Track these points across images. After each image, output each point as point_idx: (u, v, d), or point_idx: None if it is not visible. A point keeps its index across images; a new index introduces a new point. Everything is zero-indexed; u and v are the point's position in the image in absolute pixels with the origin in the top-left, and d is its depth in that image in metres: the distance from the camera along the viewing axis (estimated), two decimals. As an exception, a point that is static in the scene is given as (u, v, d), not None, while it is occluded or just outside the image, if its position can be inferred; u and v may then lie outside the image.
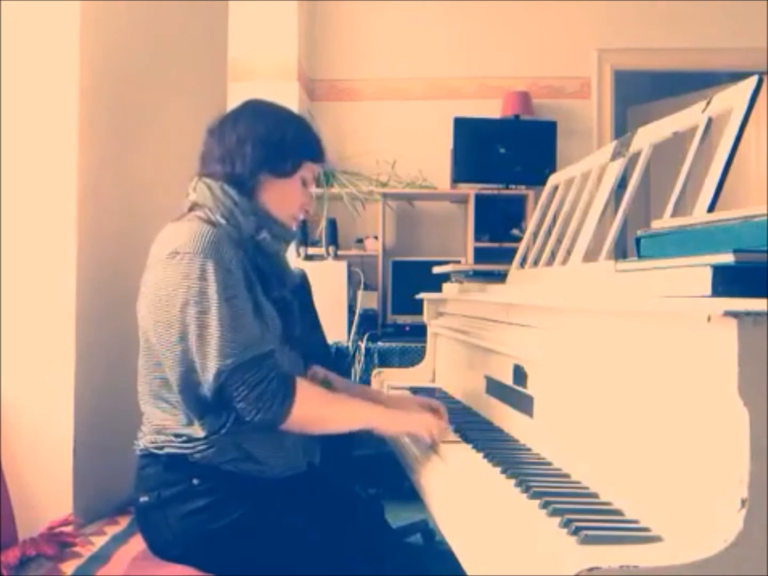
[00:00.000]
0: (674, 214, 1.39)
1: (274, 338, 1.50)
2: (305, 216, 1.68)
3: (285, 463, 1.54)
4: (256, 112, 1.62)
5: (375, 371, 2.68)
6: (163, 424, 1.50)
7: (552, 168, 4.09)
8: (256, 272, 1.53)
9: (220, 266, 1.43)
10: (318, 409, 1.51)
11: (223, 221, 1.51)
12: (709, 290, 0.95)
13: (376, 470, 2.81)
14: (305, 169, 1.61)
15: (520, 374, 1.59)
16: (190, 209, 1.57)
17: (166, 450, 1.49)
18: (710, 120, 1.43)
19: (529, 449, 1.47)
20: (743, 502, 0.83)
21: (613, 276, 1.33)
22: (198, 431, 1.46)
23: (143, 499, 1.51)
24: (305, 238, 4.17)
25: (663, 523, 0.97)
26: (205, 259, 1.42)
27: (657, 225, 1.23)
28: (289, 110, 1.67)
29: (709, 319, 0.89)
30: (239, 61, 3.60)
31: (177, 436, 1.48)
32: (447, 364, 2.39)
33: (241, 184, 1.54)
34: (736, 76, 1.66)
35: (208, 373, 1.40)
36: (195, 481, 1.47)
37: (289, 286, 1.63)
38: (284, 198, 1.60)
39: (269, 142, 1.56)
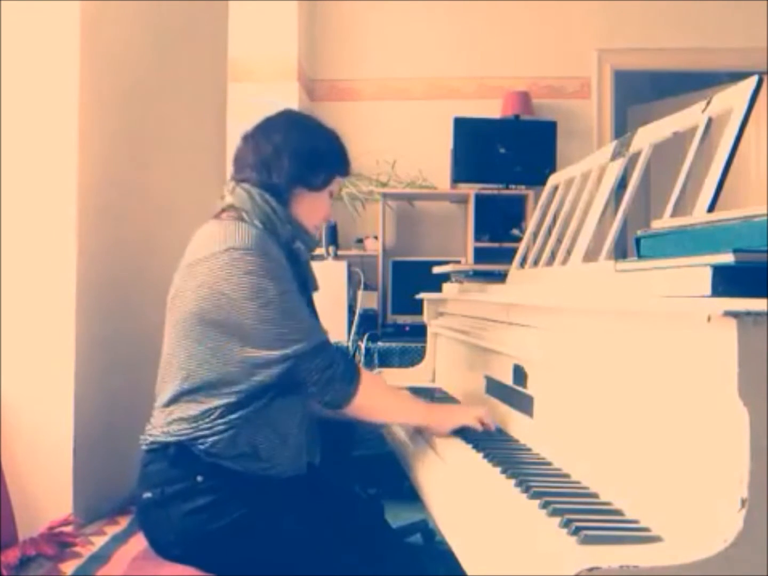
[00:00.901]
0: (674, 214, 1.39)
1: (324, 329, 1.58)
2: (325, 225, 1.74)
3: (289, 463, 1.55)
4: (292, 123, 1.68)
5: (375, 371, 2.68)
6: (179, 409, 1.51)
7: (552, 168, 4.09)
8: (294, 274, 1.58)
9: (275, 263, 1.50)
10: (379, 398, 1.61)
11: (260, 226, 1.56)
12: (709, 290, 0.95)
13: (376, 470, 2.80)
14: (334, 183, 1.68)
15: (520, 374, 1.59)
16: (224, 210, 1.61)
17: (178, 437, 1.50)
18: (710, 120, 1.43)
19: (529, 449, 1.47)
20: (743, 502, 0.83)
21: (613, 276, 1.33)
22: (216, 413, 1.48)
23: (146, 495, 1.52)
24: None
25: (663, 523, 0.97)
26: (261, 256, 1.49)
27: (657, 225, 1.23)
28: (321, 123, 1.72)
29: (709, 319, 0.89)
30: (239, 61, 3.60)
31: (196, 418, 1.49)
32: (447, 364, 2.39)
33: (278, 193, 1.60)
34: (736, 76, 1.66)
35: (274, 360, 1.46)
36: (199, 478, 1.48)
37: (311, 291, 1.70)
38: (313, 209, 1.66)
39: (304, 156, 1.62)
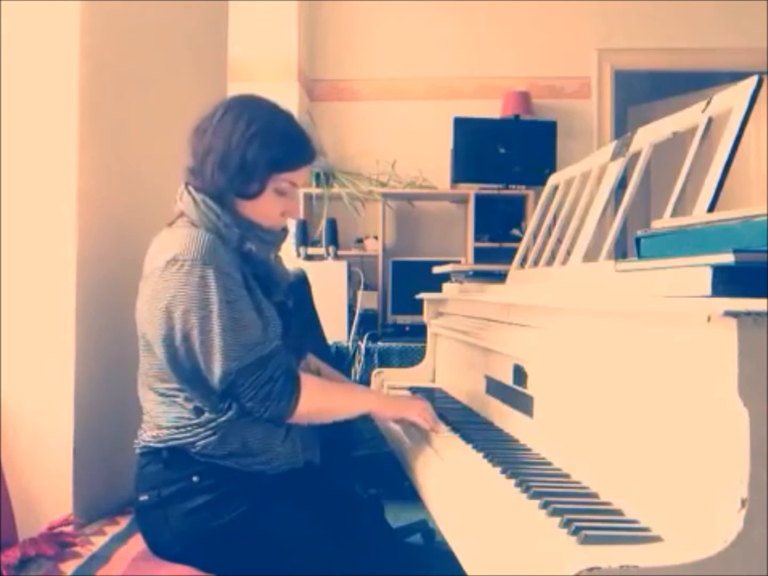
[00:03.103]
0: (674, 214, 1.39)
1: (276, 338, 1.51)
2: (294, 219, 1.65)
3: (284, 456, 1.54)
4: (223, 117, 1.53)
5: (375, 371, 2.68)
6: (165, 416, 1.50)
7: (552, 168, 4.09)
8: (252, 276, 1.54)
9: (220, 271, 1.43)
10: (322, 401, 1.54)
11: (208, 233, 1.49)
12: (709, 290, 0.95)
13: (376, 470, 2.80)
14: (277, 181, 1.53)
15: (520, 374, 1.59)
16: (180, 216, 1.57)
17: (168, 443, 1.49)
18: (710, 120, 1.43)
19: (529, 449, 1.47)
20: (743, 502, 0.83)
21: (613, 276, 1.33)
22: (201, 418, 1.47)
23: (143, 498, 1.51)
24: (305, 238, 4.18)
25: (663, 523, 0.97)
26: (205, 265, 1.42)
27: (657, 225, 1.23)
28: (263, 111, 1.55)
29: (709, 319, 0.89)
30: (239, 61, 3.60)
31: (179, 427, 1.49)
32: (447, 364, 2.39)
33: (218, 198, 1.52)
34: (736, 76, 1.66)
35: (215, 376, 1.42)
36: (195, 479, 1.48)
37: (283, 286, 1.62)
38: (259, 213, 1.55)
39: (229, 164, 1.49)
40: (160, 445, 1.50)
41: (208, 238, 1.46)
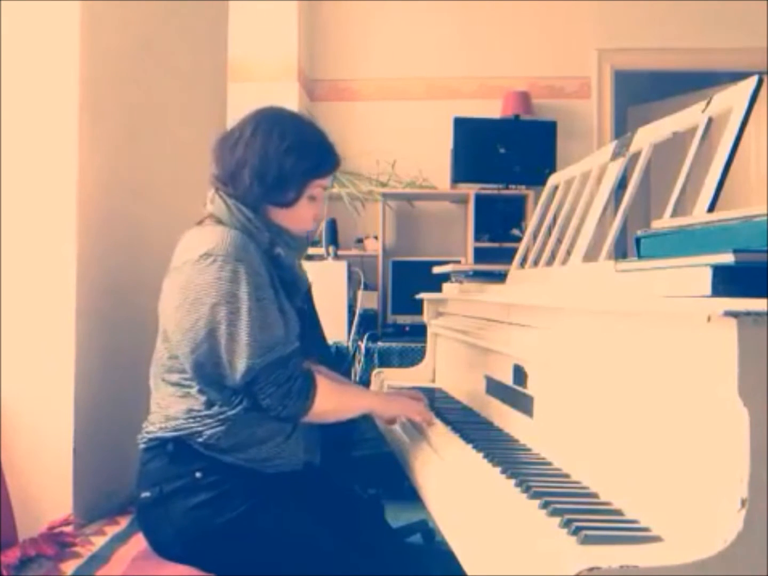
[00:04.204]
0: (674, 214, 1.39)
1: (296, 339, 1.55)
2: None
3: (286, 456, 1.56)
4: (255, 132, 1.57)
5: (375, 371, 2.68)
6: (176, 407, 1.52)
7: (552, 168, 4.09)
8: (278, 279, 1.57)
9: (251, 269, 1.48)
10: (335, 401, 1.58)
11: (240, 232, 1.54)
12: (709, 290, 0.95)
13: (376, 470, 2.80)
14: (311, 188, 1.60)
15: (520, 374, 1.59)
16: (208, 216, 1.60)
17: (176, 431, 1.50)
18: (710, 120, 1.43)
19: (529, 449, 1.47)
20: (743, 502, 0.83)
21: (613, 276, 1.33)
22: (212, 410, 1.50)
23: (145, 495, 1.52)
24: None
25: (663, 523, 0.97)
26: (237, 261, 1.46)
27: (657, 225, 1.23)
28: (292, 124, 1.62)
29: (709, 319, 0.89)
30: (239, 61, 3.60)
31: (189, 417, 1.50)
32: (447, 364, 2.39)
33: (251, 205, 1.57)
34: (736, 76, 1.66)
35: (237, 372, 1.45)
36: (198, 475, 1.48)
37: (303, 291, 1.68)
38: (293, 219, 1.61)
39: (268, 177, 1.55)
40: (168, 435, 1.51)
41: (240, 236, 1.51)
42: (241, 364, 1.45)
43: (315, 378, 1.53)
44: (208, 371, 1.48)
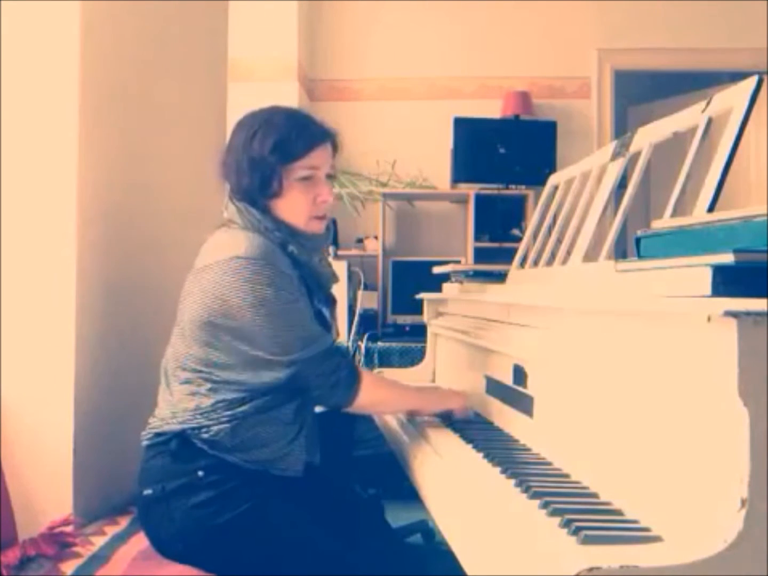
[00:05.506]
0: (674, 214, 1.39)
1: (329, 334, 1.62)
2: (327, 209, 1.65)
3: (289, 458, 1.56)
4: (234, 136, 1.62)
5: (375, 371, 2.68)
6: (184, 404, 1.53)
7: (552, 168, 4.09)
8: (298, 278, 1.59)
9: (281, 272, 1.51)
10: (379, 394, 1.66)
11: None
12: (709, 290, 0.95)
13: (376, 470, 2.81)
14: (293, 171, 1.57)
15: (520, 374, 1.59)
16: (227, 222, 1.62)
17: (183, 425, 1.51)
18: (710, 120, 1.43)
19: (529, 449, 1.47)
20: (743, 502, 0.83)
21: (613, 276, 1.33)
22: (219, 408, 1.51)
23: (147, 492, 1.52)
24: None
25: (663, 523, 0.97)
26: (267, 265, 1.49)
27: (657, 225, 1.23)
28: (261, 115, 1.61)
29: (709, 319, 0.89)
30: (239, 61, 3.60)
31: (196, 413, 1.51)
32: (447, 364, 2.39)
33: (254, 204, 1.59)
34: (736, 76, 1.66)
35: (281, 366, 1.49)
36: (200, 473, 1.49)
37: (327, 288, 1.72)
38: (291, 208, 1.60)
39: (242, 167, 1.57)
40: (175, 428, 1.51)
41: (264, 241, 1.54)
42: (285, 359, 1.49)
43: (359, 370, 1.59)
44: (241, 369, 1.51)
